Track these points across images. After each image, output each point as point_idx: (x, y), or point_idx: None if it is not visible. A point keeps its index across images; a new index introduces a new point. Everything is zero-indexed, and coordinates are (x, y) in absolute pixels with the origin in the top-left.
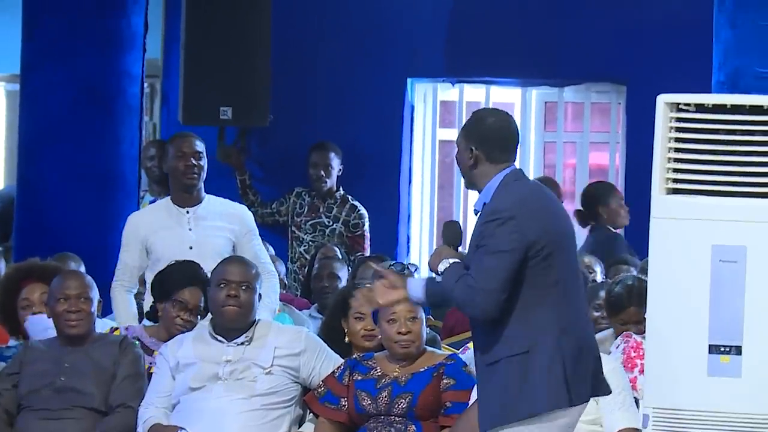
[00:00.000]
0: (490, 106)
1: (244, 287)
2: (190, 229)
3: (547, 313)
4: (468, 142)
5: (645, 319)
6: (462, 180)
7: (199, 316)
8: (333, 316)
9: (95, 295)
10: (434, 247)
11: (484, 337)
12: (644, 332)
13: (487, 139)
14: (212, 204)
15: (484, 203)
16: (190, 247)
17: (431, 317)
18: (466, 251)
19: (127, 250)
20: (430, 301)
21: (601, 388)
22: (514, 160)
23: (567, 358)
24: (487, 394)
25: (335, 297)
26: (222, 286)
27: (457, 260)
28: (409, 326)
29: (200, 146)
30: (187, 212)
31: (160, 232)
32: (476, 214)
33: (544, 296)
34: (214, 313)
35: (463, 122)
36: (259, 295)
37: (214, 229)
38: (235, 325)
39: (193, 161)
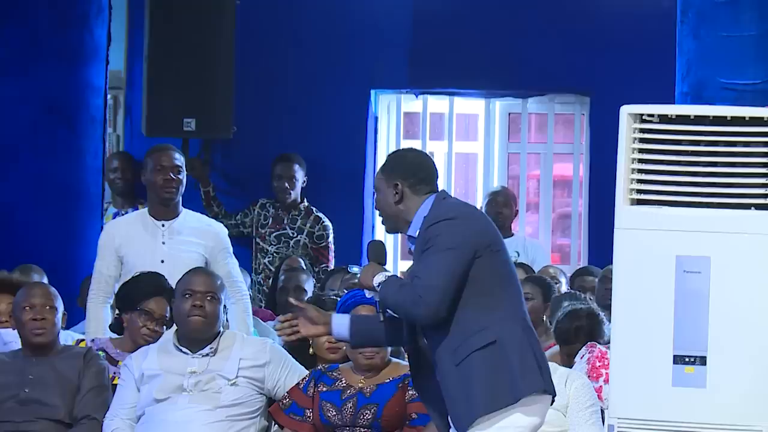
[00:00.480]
0: (454, 117)
1: (209, 297)
2: (163, 243)
3: (508, 305)
4: (390, 179)
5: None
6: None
7: (165, 327)
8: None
9: (60, 305)
10: (398, 258)
11: (447, 340)
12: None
13: (411, 173)
14: (188, 219)
15: (418, 228)
16: (162, 261)
17: None
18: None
19: (102, 258)
20: (355, 341)
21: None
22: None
23: (533, 346)
24: (462, 391)
25: None
26: (187, 296)
27: (392, 273)
28: None
29: (180, 160)
30: (163, 225)
31: (134, 244)
32: (411, 243)
33: (503, 288)
34: (179, 323)
35: (427, 133)
36: (224, 306)
37: (188, 244)
38: (200, 335)
39: (172, 175)
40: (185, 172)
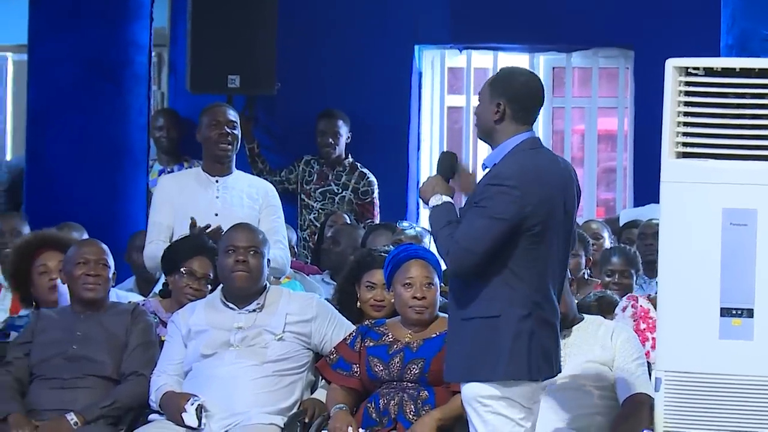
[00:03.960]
0: None
1: (252, 252)
2: (217, 197)
3: (524, 285)
4: (495, 96)
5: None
6: (470, 145)
7: (209, 286)
8: (347, 281)
9: (111, 263)
10: None
11: (464, 293)
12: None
13: (516, 97)
14: (241, 177)
15: (495, 162)
16: (216, 214)
17: (444, 284)
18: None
19: (158, 210)
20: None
21: (557, 369)
22: (533, 124)
23: (535, 333)
24: (457, 347)
25: (350, 263)
26: (230, 252)
27: (449, 200)
28: (425, 292)
29: (234, 116)
30: (217, 181)
31: (188, 197)
32: (484, 169)
33: (525, 269)
34: (223, 279)
35: (472, 88)
36: (268, 260)
37: (240, 199)
38: (245, 290)
39: (227, 130)
40: (240, 129)
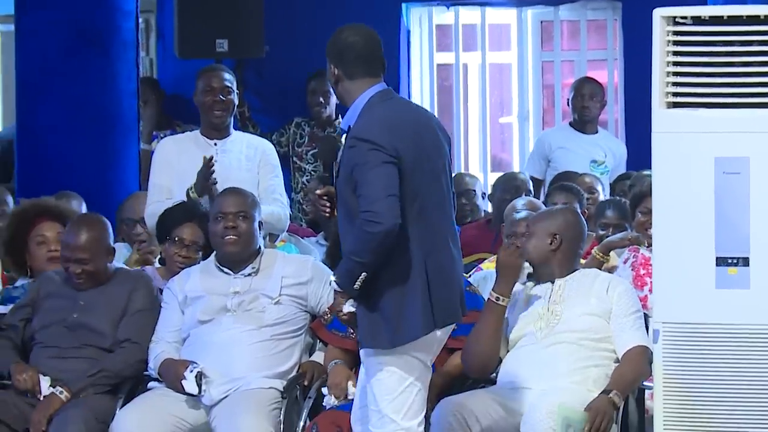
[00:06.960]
0: (487, 27)
1: (241, 217)
2: (216, 161)
3: (413, 240)
4: (329, 61)
5: None
6: (461, 102)
7: (200, 253)
8: (336, 243)
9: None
10: None
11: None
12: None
13: (343, 56)
14: (239, 138)
15: (350, 124)
16: (215, 178)
17: None
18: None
19: (158, 172)
20: (347, 279)
21: (462, 312)
22: (381, 76)
23: (432, 283)
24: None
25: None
26: (219, 218)
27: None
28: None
29: (229, 80)
30: (215, 144)
31: (187, 160)
32: (343, 133)
33: (411, 224)
34: (215, 246)
35: (460, 45)
36: (260, 223)
37: (239, 161)
38: (236, 256)
39: (222, 96)
40: (236, 92)
